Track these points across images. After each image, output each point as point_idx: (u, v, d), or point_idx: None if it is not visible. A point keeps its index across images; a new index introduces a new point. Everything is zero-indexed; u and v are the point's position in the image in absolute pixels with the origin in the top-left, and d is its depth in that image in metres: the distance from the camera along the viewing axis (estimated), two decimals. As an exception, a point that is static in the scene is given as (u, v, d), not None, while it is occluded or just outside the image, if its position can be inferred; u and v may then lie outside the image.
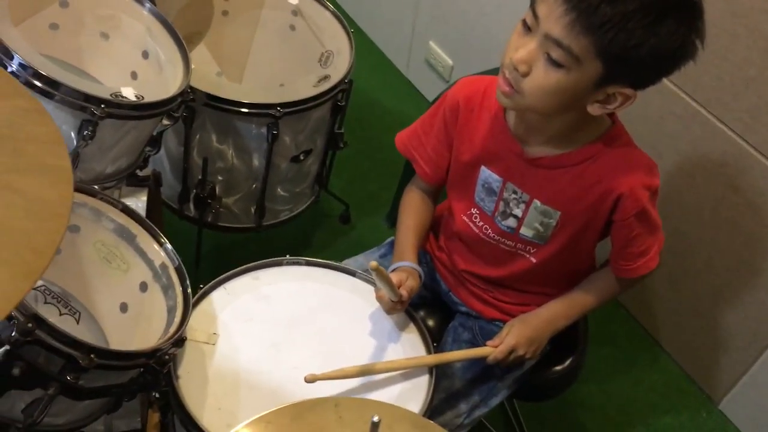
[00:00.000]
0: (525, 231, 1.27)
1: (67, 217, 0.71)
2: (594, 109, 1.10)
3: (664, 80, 1.14)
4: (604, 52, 1.01)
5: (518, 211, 1.25)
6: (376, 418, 0.86)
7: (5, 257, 0.71)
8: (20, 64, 1.18)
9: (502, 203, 1.26)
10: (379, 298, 1.26)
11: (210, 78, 1.65)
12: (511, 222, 1.27)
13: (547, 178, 1.21)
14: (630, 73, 1.05)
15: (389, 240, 1.48)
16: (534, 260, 1.30)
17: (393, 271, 1.28)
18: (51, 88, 1.19)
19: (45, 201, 0.73)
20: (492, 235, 1.30)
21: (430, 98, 2.45)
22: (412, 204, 1.39)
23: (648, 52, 1.00)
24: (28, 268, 0.69)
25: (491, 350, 1.27)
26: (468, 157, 1.27)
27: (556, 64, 1.04)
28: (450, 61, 2.38)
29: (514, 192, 1.24)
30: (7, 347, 0.93)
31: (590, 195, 1.19)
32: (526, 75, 1.06)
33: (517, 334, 1.28)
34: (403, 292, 1.22)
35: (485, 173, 1.26)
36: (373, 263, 1.12)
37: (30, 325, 0.93)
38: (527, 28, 1.06)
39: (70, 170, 0.76)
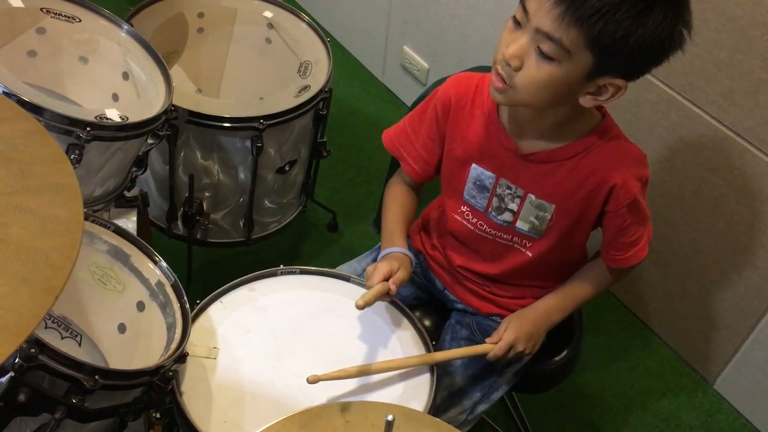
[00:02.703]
0: (521, 225, 1.28)
1: (80, 233, 0.72)
2: (586, 101, 1.11)
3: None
4: (594, 43, 1.02)
5: (513, 206, 1.26)
6: (390, 417, 0.86)
7: (25, 275, 0.72)
8: (3, 92, 1.17)
9: (495, 199, 1.27)
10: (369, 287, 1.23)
11: (190, 95, 1.65)
12: (507, 216, 1.28)
13: (542, 172, 1.22)
14: (620, 64, 1.06)
15: (380, 244, 1.49)
16: (530, 254, 1.31)
17: (383, 258, 1.28)
18: (35, 114, 1.19)
19: (58, 218, 0.74)
20: (488, 230, 1.31)
21: (408, 102, 2.46)
22: (398, 195, 1.40)
23: (636, 42, 1.02)
24: (49, 284, 0.70)
25: (491, 347, 1.28)
26: (460, 153, 1.28)
27: (547, 57, 1.05)
28: (425, 65, 2.40)
29: (508, 187, 1.25)
30: (11, 374, 0.93)
31: (584, 187, 1.21)
32: (518, 70, 1.07)
33: (516, 330, 1.29)
34: (392, 286, 1.21)
35: (476, 170, 1.27)
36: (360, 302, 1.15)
37: (33, 350, 0.93)
38: (517, 24, 1.07)
39: (77, 187, 0.77)
